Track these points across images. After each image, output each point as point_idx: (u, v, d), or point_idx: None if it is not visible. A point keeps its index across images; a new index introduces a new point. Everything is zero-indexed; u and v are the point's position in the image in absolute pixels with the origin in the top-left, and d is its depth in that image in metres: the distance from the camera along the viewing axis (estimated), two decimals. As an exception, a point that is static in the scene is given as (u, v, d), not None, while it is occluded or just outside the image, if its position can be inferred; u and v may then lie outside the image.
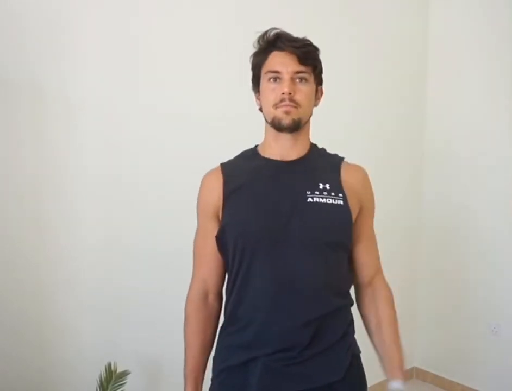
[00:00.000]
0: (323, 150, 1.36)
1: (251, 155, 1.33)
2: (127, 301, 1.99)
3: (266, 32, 1.27)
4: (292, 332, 1.19)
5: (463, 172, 2.99)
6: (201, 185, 1.35)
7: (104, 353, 1.88)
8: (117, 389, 1.76)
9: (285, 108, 1.21)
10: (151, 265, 2.04)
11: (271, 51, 1.25)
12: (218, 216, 1.28)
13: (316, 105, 1.31)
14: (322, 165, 1.30)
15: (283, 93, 1.20)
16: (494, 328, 2.85)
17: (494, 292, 2.85)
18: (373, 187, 1.35)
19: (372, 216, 1.36)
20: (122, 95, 1.92)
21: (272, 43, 1.25)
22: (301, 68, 1.23)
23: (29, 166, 1.74)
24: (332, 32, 2.59)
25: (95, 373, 1.78)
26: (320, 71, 1.29)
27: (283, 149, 1.27)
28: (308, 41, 1.27)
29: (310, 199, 1.22)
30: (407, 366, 3.19)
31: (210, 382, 1.31)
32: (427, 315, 3.17)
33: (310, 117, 1.29)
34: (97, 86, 1.86)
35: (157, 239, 2.04)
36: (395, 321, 1.33)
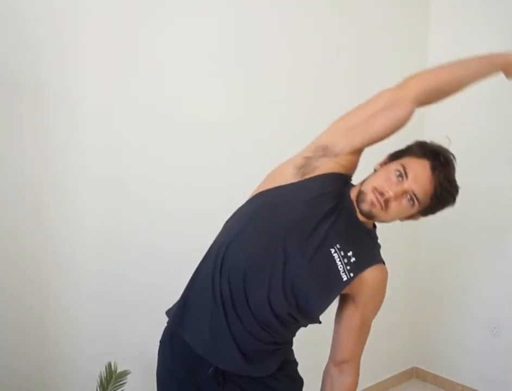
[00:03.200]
0: (376, 237, 1.33)
1: (348, 184, 1.30)
2: (128, 301, 1.99)
3: (440, 148, 1.22)
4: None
5: (464, 171, 2.98)
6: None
7: (104, 353, 1.88)
8: (117, 389, 1.76)
9: (374, 200, 1.17)
10: (152, 265, 2.04)
11: (423, 158, 1.19)
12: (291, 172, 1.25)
13: (401, 220, 1.26)
14: (365, 245, 1.26)
15: (387, 191, 1.16)
16: (494, 328, 2.85)
17: (494, 292, 2.85)
18: None
19: (370, 315, 1.31)
20: (123, 95, 1.92)
21: (431, 155, 1.19)
22: (421, 197, 1.17)
23: (29, 163, 1.74)
24: (330, 38, 2.59)
25: (95, 372, 1.78)
26: (433, 213, 1.25)
27: None
28: (457, 191, 1.23)
29: (332, 250, 1.19)
30: (407, 366, 3.20)
31: None
32: (427, 315, 3.17)
33: (387, 222, 1.25)
34: (98, 85, 1.86)
35: (158, 239, 2.05)
36: None
